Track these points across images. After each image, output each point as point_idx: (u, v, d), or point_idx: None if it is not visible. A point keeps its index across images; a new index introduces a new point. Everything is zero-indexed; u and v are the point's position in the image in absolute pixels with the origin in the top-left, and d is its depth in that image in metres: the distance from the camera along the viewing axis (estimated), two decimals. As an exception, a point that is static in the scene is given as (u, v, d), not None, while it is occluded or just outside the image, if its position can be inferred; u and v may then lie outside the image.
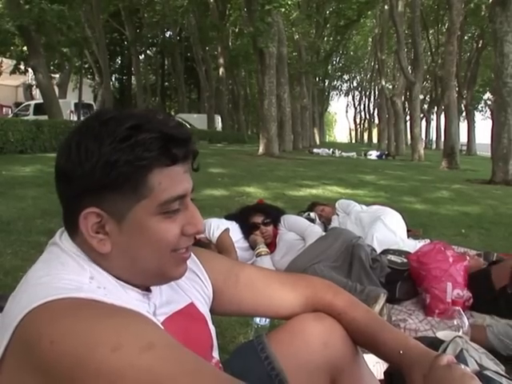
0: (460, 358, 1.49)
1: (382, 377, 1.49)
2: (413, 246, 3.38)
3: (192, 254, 0.99)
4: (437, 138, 39.65)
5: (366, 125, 58.93)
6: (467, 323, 1.90)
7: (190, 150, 0.81)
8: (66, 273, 0.74)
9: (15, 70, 16.48)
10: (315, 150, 21.90)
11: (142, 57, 36.98)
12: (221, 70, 28.11)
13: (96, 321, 0.66)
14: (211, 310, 1.02)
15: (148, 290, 0.87)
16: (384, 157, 20.97)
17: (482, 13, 23.84)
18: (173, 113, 39.68)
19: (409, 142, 25.77)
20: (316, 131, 37.43)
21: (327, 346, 1.03)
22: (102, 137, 0.75)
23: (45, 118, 13.32)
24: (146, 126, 0.76)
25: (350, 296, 1.12)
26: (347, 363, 1.05)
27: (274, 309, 1.09)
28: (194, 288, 0.97)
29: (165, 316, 0.87)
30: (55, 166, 0.80)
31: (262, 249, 3.26)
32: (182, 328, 0.88)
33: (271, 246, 3.32)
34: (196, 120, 26.59)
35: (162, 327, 0.75)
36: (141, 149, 0.74)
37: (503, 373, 1.55)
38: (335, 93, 62.33)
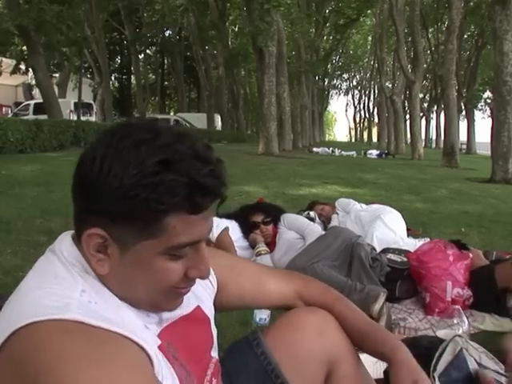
0: (460, 357, 1.49)
1: (382, 376, 1.49)
2: (413, 244, 3.39)
3: None
4: (436, 136, 39.56)
5: (366, 124, 58.89)
6: (467, 322, 1.91)
7: (219, 199, 0.76)
8: (57, 287, 0.72)
9: (15, 71, 16.44)
10: (315, 149, 21.89)
11: (141, 56, 36.97)
12: (220, 69, 28.16)
13: (80, 364, 0.62)
14: (214, 305, 1.02)
15: None
16: (384, 156, 20.95)
17: (482, 11, 23.82)
18: (172, 112, 39.70)
19: (408, 140, 25.72)
20: (316, 130, 37.45)
21: (322, 336, 1.06)
22: (128, 163, 0.69)
23: (44, 117, 13.29)
24: (177, 165, 0.70)
25: (339, 293, 1.18)
26: (342, 354, 1.07)
27: (271, 299, 1.15)
28: (200, 285, 0.96)
29: (170, 321, 0.85)
30: (76, 168, 0.75)
31: (262, 248, 3.26)
32: (184, 331, 0.87)
33: (271, 244, 3.32)
34: (196, 119, 26.60)
35: (158, 353, 0.74)
36: (164, 190, 0.69)
37: (503, 372, 1.55)
38: (335, 92, 62.46)
